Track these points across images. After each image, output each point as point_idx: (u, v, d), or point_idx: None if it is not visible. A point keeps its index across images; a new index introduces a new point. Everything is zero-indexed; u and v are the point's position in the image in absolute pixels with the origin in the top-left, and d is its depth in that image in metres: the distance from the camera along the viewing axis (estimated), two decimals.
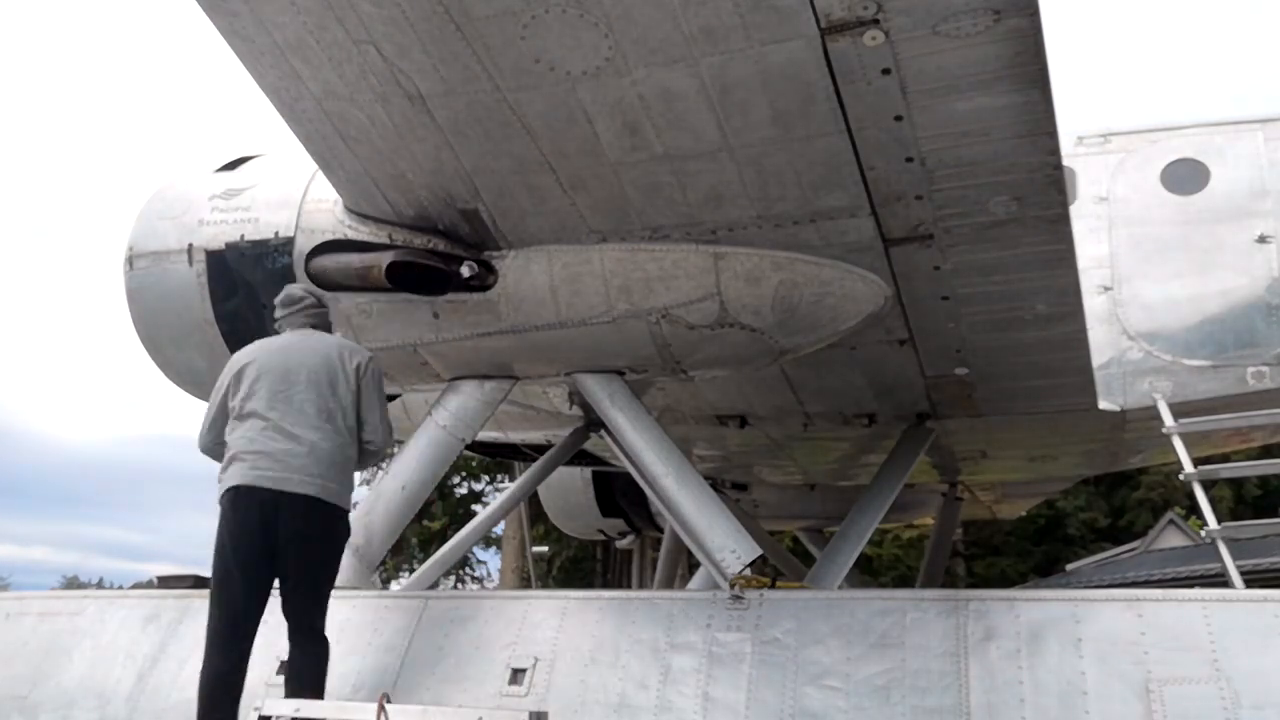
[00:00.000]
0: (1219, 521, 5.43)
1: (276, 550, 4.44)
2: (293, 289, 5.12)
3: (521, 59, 4.11)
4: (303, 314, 4.98)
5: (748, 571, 5.20)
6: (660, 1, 3.75)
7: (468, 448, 7.28)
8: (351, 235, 5.67)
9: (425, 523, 26.07)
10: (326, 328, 5.06)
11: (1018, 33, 3.72)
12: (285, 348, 4.79)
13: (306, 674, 4.41)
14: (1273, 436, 8.41)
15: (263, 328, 5.88)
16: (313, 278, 5.74)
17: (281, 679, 4.69)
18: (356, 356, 4.82)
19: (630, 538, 13.51)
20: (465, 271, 5.39)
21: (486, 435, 9.01)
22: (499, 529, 21.60)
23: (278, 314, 5.05)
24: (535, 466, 7.63)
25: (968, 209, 4.71)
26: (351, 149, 4.96)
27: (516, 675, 4.93)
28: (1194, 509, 18.06)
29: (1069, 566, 21.51)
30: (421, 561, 16.50)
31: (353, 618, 5.36)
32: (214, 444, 4.80)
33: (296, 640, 4.49)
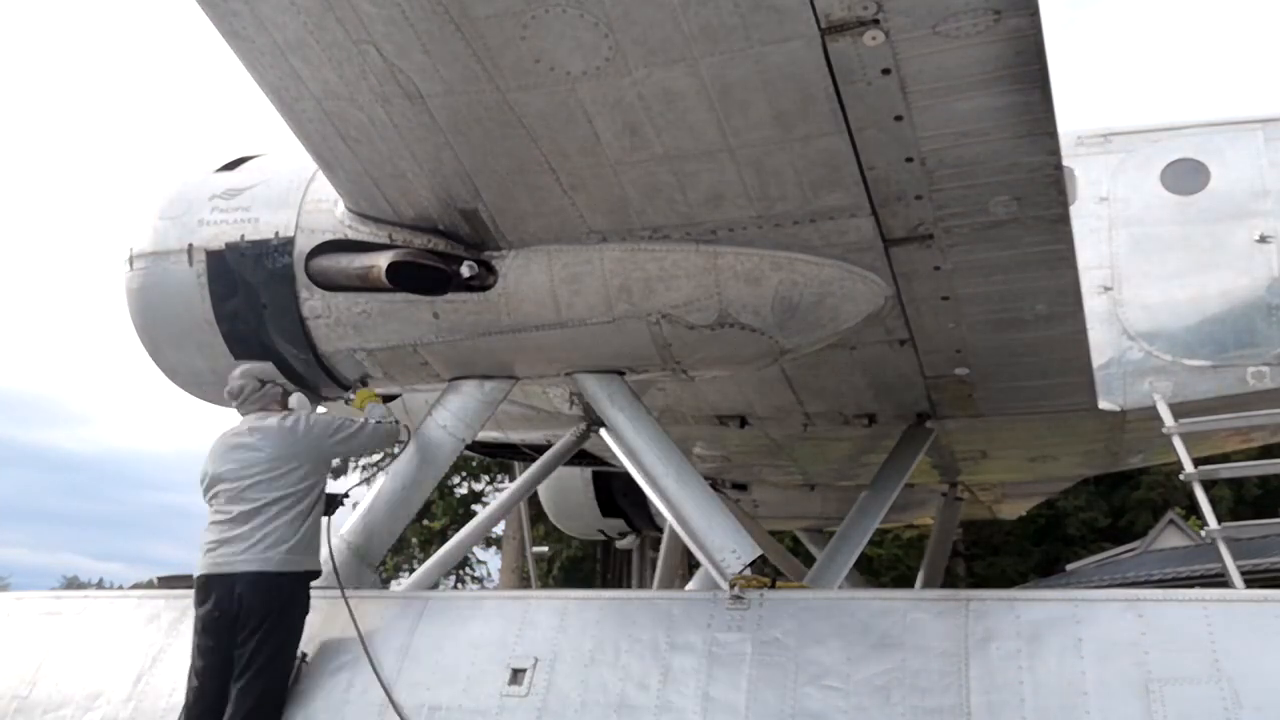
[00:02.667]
0: (1219, 521, 5.43)
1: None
2: (231, 381, 5.50)
3: (521, 59, 4.11)
4: (248, 403, 5.44)
5: (748, 571, 5.20)
6: (660, 1, 3.75)
7: (468, 448, 7.28)
8: (352, 235, 5.66)
9: (425, 523, 26.07)
10: (278, 401, 5.52)
11: (1018, 33, 3.73)
12: (231, 450, 5.19)
13: None
14: (1273, 436, 8.40)
15: (263, 328, 5.89)
16: (312, 278, 5.74)
17: None
18: (298, 425, 5.22)
19: (630, 538, 13.51)
20: (465, 271, 5.39)
21: (486, 435, 9.01)
22: (499, 529, 21.63)
23: (235, 406, 5.50)
24: (535, 466, 7.64)
25: (968, 209, 4.71)
26: (351, 149, 4.96)
27: (516, 675, 4.93)
28: (1194, 509, 18.05)
29: (1069, 566, 21.48)
30: (421, 561, 16.49)
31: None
32: None
33: None
